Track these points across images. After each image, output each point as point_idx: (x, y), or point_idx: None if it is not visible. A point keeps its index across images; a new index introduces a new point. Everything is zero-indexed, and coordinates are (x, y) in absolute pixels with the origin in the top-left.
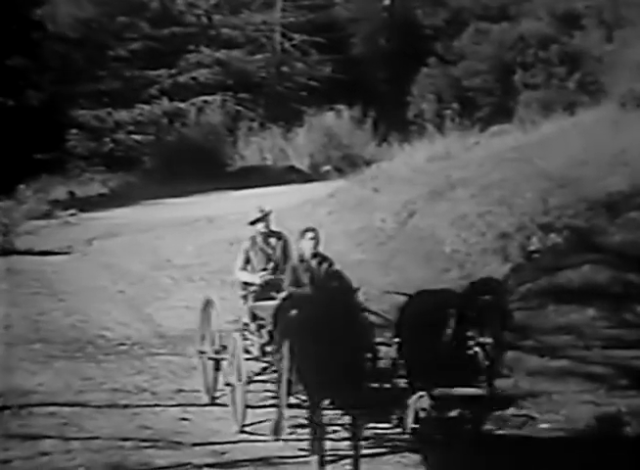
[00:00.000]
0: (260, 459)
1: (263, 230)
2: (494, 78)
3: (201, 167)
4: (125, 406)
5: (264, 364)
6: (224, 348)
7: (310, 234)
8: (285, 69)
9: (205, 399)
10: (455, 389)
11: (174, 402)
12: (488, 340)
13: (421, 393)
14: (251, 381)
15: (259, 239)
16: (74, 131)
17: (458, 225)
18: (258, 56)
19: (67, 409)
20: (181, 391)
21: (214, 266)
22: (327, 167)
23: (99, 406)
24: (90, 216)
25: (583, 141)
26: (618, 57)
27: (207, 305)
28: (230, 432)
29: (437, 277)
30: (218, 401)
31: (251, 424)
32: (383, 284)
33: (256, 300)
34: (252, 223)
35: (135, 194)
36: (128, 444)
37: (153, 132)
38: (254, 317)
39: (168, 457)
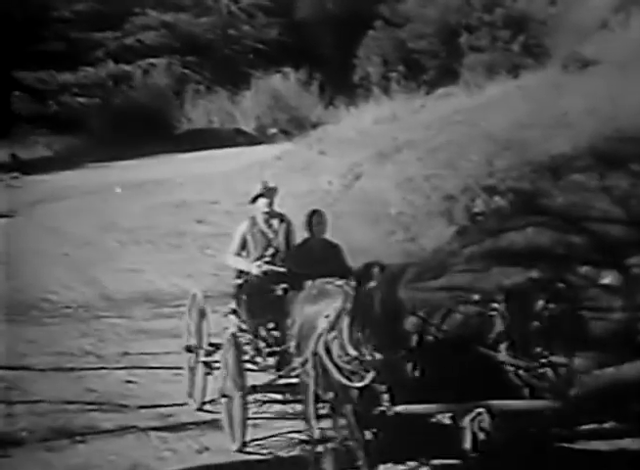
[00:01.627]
0: (207, 422)
1: (266, 209)
2: (440, 41)
3: (147, 130)
4: (70, 370)
5: (265, 369)
6: (216, 348)
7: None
8: (231, 31)
9: (193, 406)
10: (515, 402)
11: (120, 365)
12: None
13: (479, 410)
14: (252, 391)
15: (260, 219)
16: (17, 93)
17: (404, 188)
18: (205, 19)
19: (10, 373)
20: (127, 354)
21: (161, 229)
22: (273, 130)
23: (43, 370)
24: (34, 179)
25: (527, 104)
26: (562, 20)
27: (194, 300)
28: (177, 395)
29: (383, 239)
30: (210, 410)
31: (254, 441)
32: None
33: (253, 293)
34: (254, 200)
35: (80, 157)
36: (73, 407)
37: (98, 95)
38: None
39: (114, 420)
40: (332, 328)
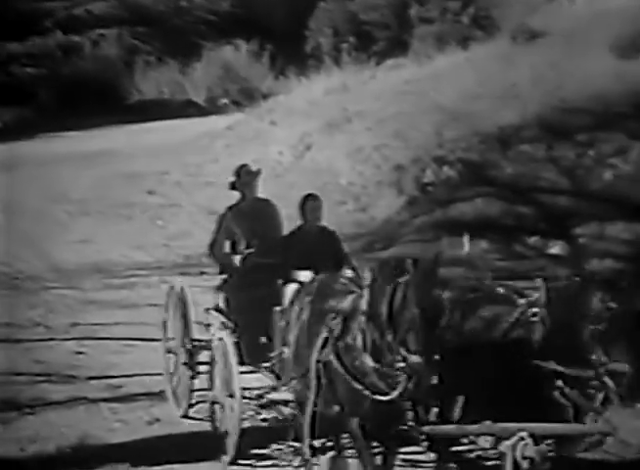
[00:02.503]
0: (157, 393)
1: (248, 195)
2: (390, 12)
3: (97, 101)
4: (18, 341)
5: (259, 371)
6: (200, 347)
7: (310, 203)
8: (182, 3)
9: (176, 412)
10: (566, 426)
11: (69, 336)
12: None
13: (522, 434)
14: (248, 397)
15: (241, 209)
16: None
17: (354, 158)
18: None
19: None
20: (76, 324)
21: (111, 200)
22: (224, 101)
23: None
24: None
25: (476, 75)
26: None
27: (172, 292)
28: (127, 366)
29: (334, 209)
30: (196, 416)
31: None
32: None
33: (237, 288)
34: (234, 188)
35: (30, 128)
36: (22, 378)
37: (47, 65)
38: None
39: (63, 392)
40: (341, 332)
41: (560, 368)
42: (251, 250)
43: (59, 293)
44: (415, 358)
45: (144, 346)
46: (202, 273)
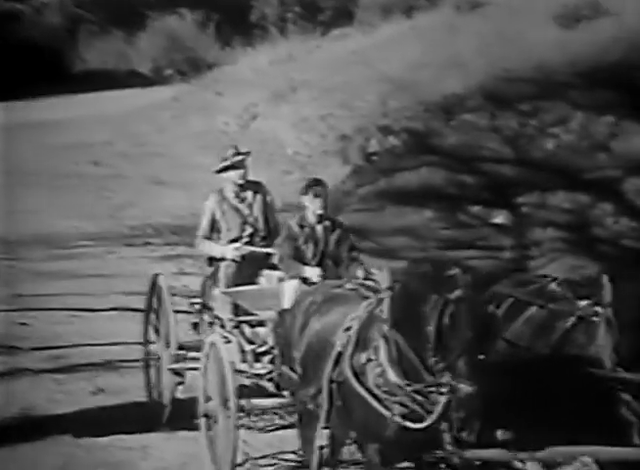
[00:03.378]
0: (101, 364)
1: (238, 181)
2: None
3: (40, 70)
4: None
5: (255, 378)
6: (186, 349)
7: (316, 189)
8: None
9: (157, 421)
10: (620, 449)
11: (13, 307)
12: None
13: (584, 459)
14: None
15: (230, 194)
16: None
17: (299, 128)
18: None
19: None
20: (20, 295)
21: (56, 171)
22: (169, 71)
23: None
24: None
25: (421, 44)
26: None
27: (156, 283)
28: (71, 336)
29: (279, 179)
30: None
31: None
32: None
33: (230, 283)
34: (221, 171)
35: None
36: None
37: None
38: (236, 310)
39: (6, 363)
40: (357, 345)
41: (628, 376)
42: (245, 239)
43: (4, 264)
44: (466, 389)
45: (88, 316)
46: (147, 244)
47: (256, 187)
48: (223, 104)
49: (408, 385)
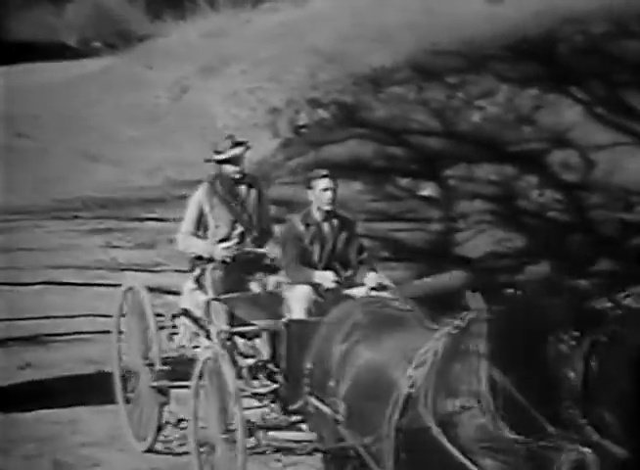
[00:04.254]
0: (29, 338)
1: (232, 175)
2: None
3: None
4: None
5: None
6: (173, 366)
7: (325, 182)
8: None
9: (138, 447)
10: None
11: None
12: None
13: None
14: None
15: (222, 187)
16: None
17: (230, 101)
18: None
19: None
20: None
21: None
22: (98, 44)
23: None
24: None
25: (350, 17)
26: None
27: (133, 298)
28: None
29: (210, 153)
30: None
31: None
32: (158, 160)
33: (219, 288)
34: (218, 162)
35: None
36: None
37: None
38: (232, 319)
39: None
40: (438, 387)
41: None
42: (235, 239)
43: None
44: (619, 451)
45: (17, 290)
46: (75, 217)
47: (251, 181)
48: (153, 77)
49: (525, 441)
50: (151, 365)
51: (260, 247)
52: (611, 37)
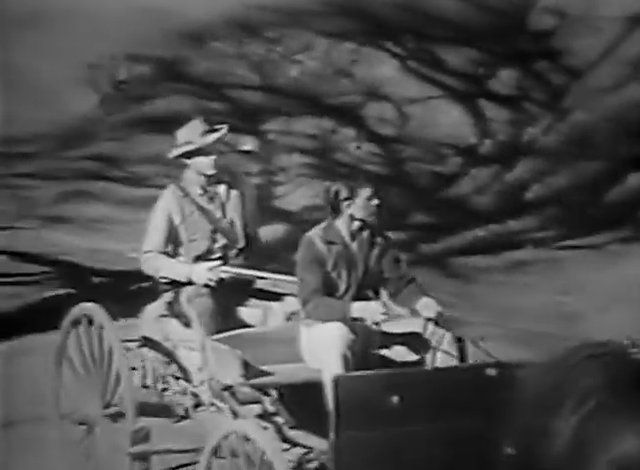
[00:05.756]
0: None
1: (207, 170)
2: None
3: None
4: None
5: None
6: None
7: (369, 190)
8: None
9: None
10: None
11: None
12: None
13: None
14: None
15: (195, 188)
16: None
17: (49, 56)
18: None
19: None
20: None
21: None
22: None
23: None
24: None
25: None
26: None
27: (85, 321)
28: None
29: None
30: None
31: None
32: None
33: (209, 322)
34: (181, 157)
35: None
36: None
37: None
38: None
39: None
40: None
41: None
42: (217, 253)
43: None
44: None
45: None
46: None
47: (231, 178)
48: None
49: None
50: (115, 416)
51: (247, 262)
52: None
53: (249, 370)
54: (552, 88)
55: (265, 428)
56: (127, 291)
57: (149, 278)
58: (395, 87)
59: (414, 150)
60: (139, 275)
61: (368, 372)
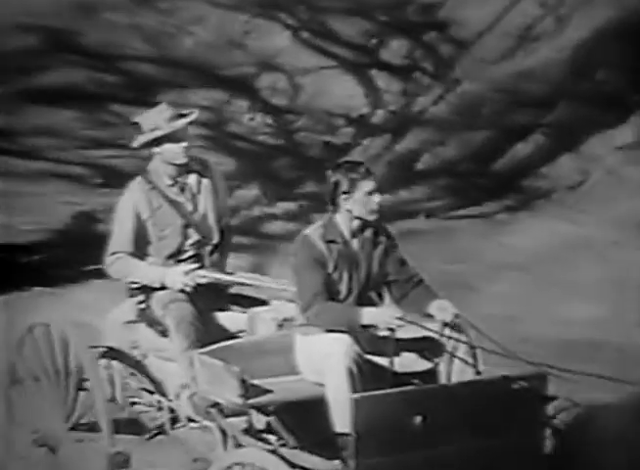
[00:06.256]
0: None
1: (176, 159)
2: None
3: None
4: None
5: None
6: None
7: (371, 184)
8: None
9: None
10: None
11: None
12: None
13: None
14: None
15: (164, 179)
16: None
17: None
18: None
19: None
20: None
21: None
22: None
23: None
24: None
25: None
26: None
27: (63, 346)
28: None
29: None
30: None
31: None
32: None
33: (191, 334)
34: (148, 145)
35: None
36: None
37: None
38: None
39: None
40: None
41: None
42: (190, 252)
43: None
44: None
45: None
46: None
47: (201, 168)
48: None
49: None
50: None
51: (222, 261)
52: None
53: (248, 389)
54: (441, 59)
55: (272, 452)
56: (18, 264)
57: (38, 253)
58: (288, 58)
59: (306, 120)
60: (30, 249)
61: (388, 391)
